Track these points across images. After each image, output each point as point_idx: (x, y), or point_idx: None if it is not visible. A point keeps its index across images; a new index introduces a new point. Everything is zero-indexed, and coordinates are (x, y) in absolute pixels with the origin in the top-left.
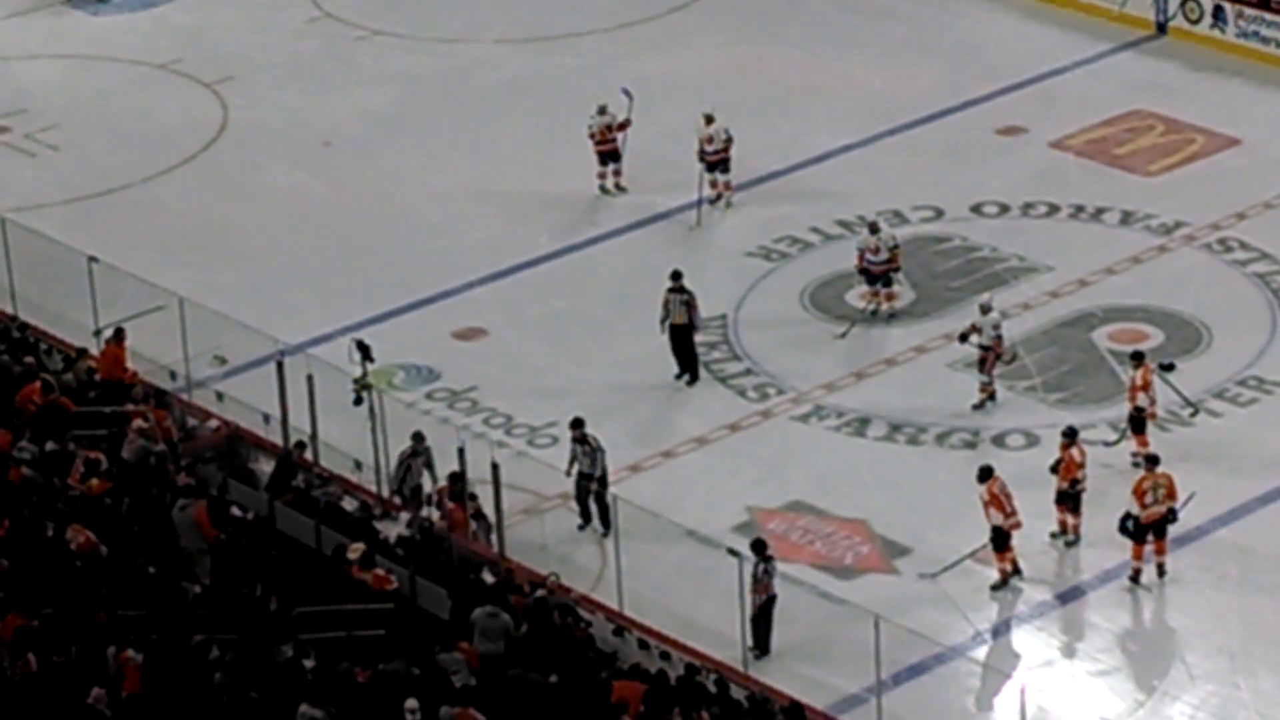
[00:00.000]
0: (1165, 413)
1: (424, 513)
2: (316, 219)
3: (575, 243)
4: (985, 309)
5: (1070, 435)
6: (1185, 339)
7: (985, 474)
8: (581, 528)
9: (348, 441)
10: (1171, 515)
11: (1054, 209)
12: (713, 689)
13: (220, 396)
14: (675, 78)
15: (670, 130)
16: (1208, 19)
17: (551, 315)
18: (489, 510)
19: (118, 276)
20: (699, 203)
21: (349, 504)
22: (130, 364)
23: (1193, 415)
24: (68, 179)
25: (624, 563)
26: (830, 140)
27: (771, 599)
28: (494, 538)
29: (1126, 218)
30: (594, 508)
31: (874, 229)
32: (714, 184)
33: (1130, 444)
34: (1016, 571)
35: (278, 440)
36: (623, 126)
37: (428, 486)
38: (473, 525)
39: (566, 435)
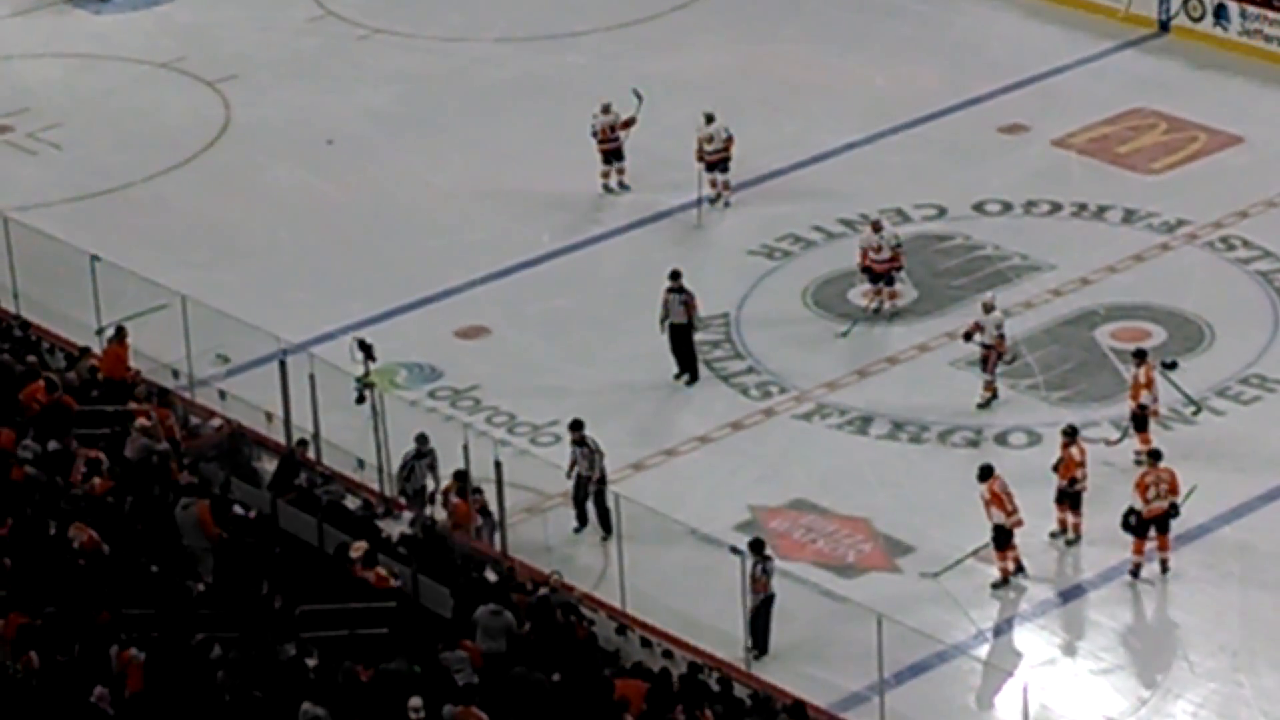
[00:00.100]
0: (1168, 411)
1: (428, 511)
2: (319, 217)
3: (577, 241)
4: (988, 308)
5: (1070, 434)
6: (1187, 337)
7: (985, 473)
8: (578, 530)
9: (350, 440)
10: (1173, 510)
11: (1056, 207)
12: (715, 687)
13: (223, 395)
14: (677, 76)
15: (672, 129)
16: (1210, 17)
17: (554, 314)
18: (494, 508)
19: (120, 275)
20: (698, 202)
21: (351, 502)
22: (133, 363)
23: (1195, 413)
24: (70, 178)
25: (626, 561)
26: (833, 138)
27: (769, 598)
28: (497, 536)
29: (1129, 216)
30: (593, 511)
31: (876, 227)
32: (713, 183)
33: (1133, 442)
34: (1020, 570)
35: (280, 439)
36: (626, 125)
37: (431, 488)
38: (478, 520)
39: (568, 435)
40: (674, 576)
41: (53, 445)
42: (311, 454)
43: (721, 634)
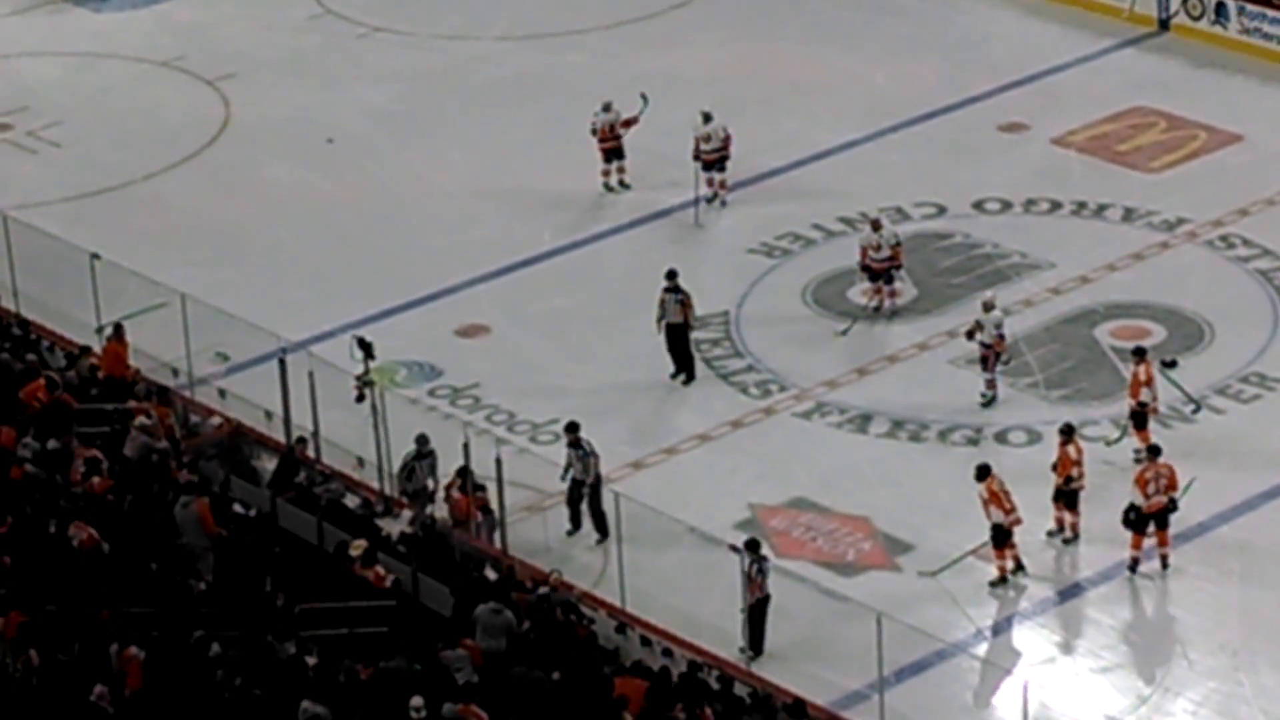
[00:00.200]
0: (1167, 409)
1: (429, 509)
2: (319, 216)
3: (577, 240)
4: (988, 306)
5: (1067, 432)
6: (1187, 335)
7: (983, 472)
8: (570, 533)
9: (350, 438)
10: (1172, 505)
11: (1056, 205)
12: (715, 686)
13: (222, 393)
14: (677, 74)
15: (672, 127)
16: (1210, 15)
17: (554, 312)
18: (496, 506)
19: (120, 274)
20: (696, 201)
21: (351, 501)
22: (132, 361)
23: (1195, 412)
24: (70, 176)
25: (626, 560)
26: (832, 137)
27: (765, 599)
28: (497, 534)
29: (1128, 214)
30: (587, 514)
31: (876, 226)
32: (710, 182)
33: (1132, 440)
34: (1020, 568)
35: (280, 437)
36: (628, 124)
37: (432, 488)
38: (478, 516)
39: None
40: (674, 575)
41: (52, 444)
42: (311, 452)
43: (721, 632)
